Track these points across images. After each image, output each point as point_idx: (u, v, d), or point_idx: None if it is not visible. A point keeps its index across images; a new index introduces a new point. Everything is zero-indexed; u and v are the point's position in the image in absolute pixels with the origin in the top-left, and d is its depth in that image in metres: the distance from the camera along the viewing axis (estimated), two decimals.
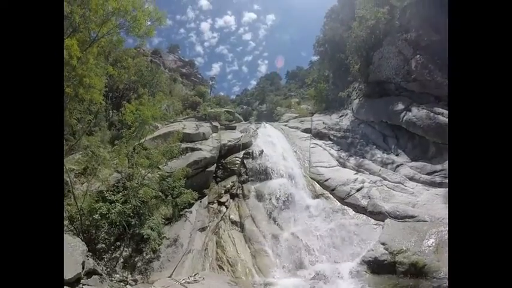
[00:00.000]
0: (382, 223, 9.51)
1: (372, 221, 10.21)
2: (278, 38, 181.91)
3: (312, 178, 13.43)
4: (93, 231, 8.67)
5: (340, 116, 19.52)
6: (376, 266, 7.81)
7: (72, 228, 8.29)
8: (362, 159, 13.93)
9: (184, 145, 13.72)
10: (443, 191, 10.08)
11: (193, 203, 11.49)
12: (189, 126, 17.01)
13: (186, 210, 11.34)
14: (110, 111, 17.32)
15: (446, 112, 11.18)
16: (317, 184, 13.01)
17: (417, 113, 12.35)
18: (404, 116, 12.93)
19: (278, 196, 11.96)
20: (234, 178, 13.83)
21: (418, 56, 12.99)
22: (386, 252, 7.90)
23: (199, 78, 47.68)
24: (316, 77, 27.01)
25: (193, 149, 14.05)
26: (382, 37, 15.65)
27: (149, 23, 8.96)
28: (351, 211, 11.10)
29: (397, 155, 12.93)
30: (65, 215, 8.26)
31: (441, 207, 9.38)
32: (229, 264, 9.24)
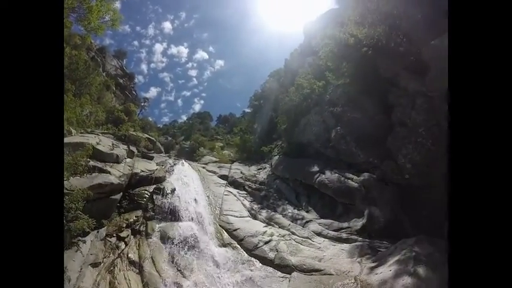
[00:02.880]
0: (289, 276, 9.68)
1: (279, 273, 10.28)
2: (220, 83, 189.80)
3: (221, 226, 13.20)
4: None
5: (259, 169, 20.42)
6: None
7: None
8: (273, 212, 14.47)
9: (92, 163, 12.08)
10: (349, 246, 10.98)
11: (88, 232, 9.81)
12: (105, 143, 15.20)
13: (80, 238, 9.50)
14: None
15: (355, 177, 12.84)
16: (225, 233, 12.78)
17: (330, 176, 13.87)
18: (317, 177, 14.34)
19: (184, 240, 11.28)
20: (140, 213, 12.56)
21: (339, 127, 15.06)
22: None
23: (133, 96, 44.25)
24: (244, 127, 28.53)
25: (101, 170, 12.37)
26: (312, 106, 17.95)
27: (102, 20, 8.30)
28: (258, 263, 11.01)
29: (307, 212, 13.92)
30: None
31: (346, 262, 10.10)
32: None
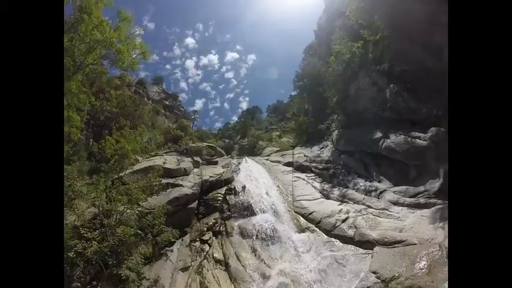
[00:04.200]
0: (371, 251, 9.35)
1: (361, 250, 10.02)
2: (259, 76, 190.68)
3: (296, 212, 13.27)
4: (68, 268, 7.89)
5: (321, 148, 19.91)
6: None
7: None
8: (345, 189, 14.04)
9: (164, 181, 13.18)
10: (429, 212, 10.20)
11: (174, 242, 10.84)
12: (170, 160, 16.61)
13: (167, 249, 10.64)
14: (90, 140, 16.73)
15: (423, 135, 11.72)
16: (302, 218, 12.83)
17: (395, 139, 12.87)
18: (383, 143, 13.41)
19: (262, 232, 11.61)
20: (217, 215, 13.33)
21: (392, 85, 13.85)
22: (379, 280, 7.68)
23: (182, 112, 47.79)
24: (296, 110, 28.04)
25: (174, 185, 13.55)
26: (357, 70, 16.71)
27: (134, 55, 9.06)
28: (338, 243, 10.89)
29: (379, 182, 13.16)
30: None
31: (429, 228, 9.43)
32: None
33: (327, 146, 19.47)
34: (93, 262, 8.09)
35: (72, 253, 7.57)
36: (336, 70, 17.79)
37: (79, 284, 7.95)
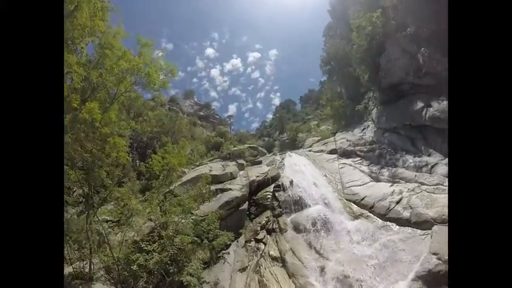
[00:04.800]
0: (429, 232, 8.78)
1: (419, 231, 9.52)
2: (285, 69, 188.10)
3: (347, 200, 13.01)
4: (132, 281, 8.63)
5: (363, 130, 19.17)
6: (431, 279, 7.09)
7: (110, 278, 8.34)
8: (395, 168, 13.36)
9: (213, 187, 13.74)
10: None
11: (230, 244, 11.30)
12: (216, 167, 17.20)
13: (224, 251, 11.11)
14: (137, 162, 18.14)
15: None
16: (354, 205, 12.54)
17: (438, 106, 11.93)
18: (426, 113, 12.50)
19: (316, 224, 11.53)
20: (268, 213, 13.57)
21: (423, 49, 12.80)
22: (440, 261, 7.19)
23: (218, 119, 49.45)
24: (329, 96, 27.13)
25: (223, 190, 14.04)
26: (382, 41, 15.74)
27: (162, 76, 9.50)
28: (394, 226, 10.45)
29: (429, 155, 12.30)
30: (101, 265, 8.35)
31: None
32: None
33: (368, 126, 18.68)
34: (155, 272, 8.76)
35: (135, 266, 8.28)
36: (361, 46, 16.87)
37: None
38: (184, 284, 8.75)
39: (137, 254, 8.64)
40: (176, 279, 8.97)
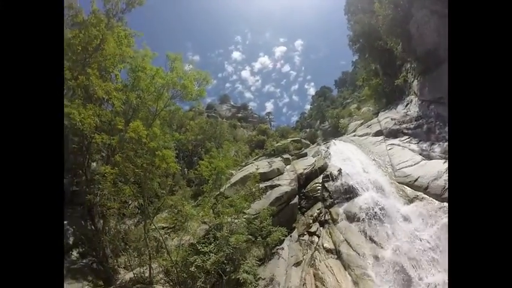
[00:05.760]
0: None
1: None
2: (313, 58, 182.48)
3: (399, 182, 12.38)
4: (190, 281, 9.08)
5: (406, 105, 17.97)
6: None
7: (169, 280, 8.91)
8: (446, 142, 12.30)
9: (262, 185, 13.97)
10: None
11: (283, 239, 11.37)
12: (262, 165, 17.30)
13: (278, 247, 11.23)
14: (185, 170, 19.12)
15: None
16: (407, 187, 11.91)
17: None
18: None
19: (369, 212, 11.11)
20: (319, 205, 13.34)
21: None
22: None
23: (257, 118, 49.94)
24: (364, 75, 25.81)
25: (272, 187, 14.17)
26: (408, 6, 14.54)
27: (197, 85, 9.91)
28: None
29: None
30: (160, 269, 8.95)
31: None
32: None
33: (412, 100, 17.40)
34: (212, 272, 9.18)
35: (192, 268, 8.78)
36: (386, 16, 15.63)
37: None
38: (241, 281, 9.06)
39: (194, 256, 9.15)
40: (233, 277, 9.33)
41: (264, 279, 9.91)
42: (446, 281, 7.14)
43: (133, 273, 8.66)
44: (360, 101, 34.05)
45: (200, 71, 10.06)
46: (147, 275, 8.62)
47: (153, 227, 9.50)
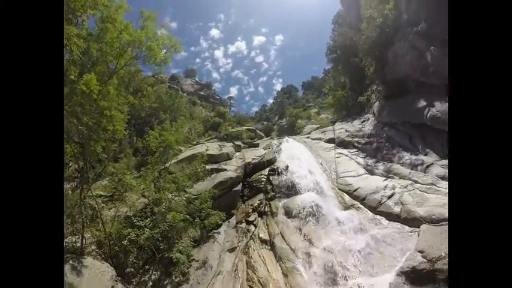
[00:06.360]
0: (417, 229, 8.93)
1: (407, 228, 9.64)
2: (289, 55, 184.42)
3: (340, 189, 13.06)
4: (122, 256, 8.80)
5: (362, 122, 19.07)
6: (414, 276, 7.23)
7: (101, 253, 8.49)
8: (390, 163, 13.38)
9: (209, 166, 13.88)
10: None
11: (221, 224, 11.49)
12: (212, 147, 17.27)
13: (214, 231, 11.33)
14: (134, 138, 18.08)
15: None
16: (346, 195, 12.61)
17: (441, 107, 11.76)
18: (427, 112, 12.33)
19: (307, 211, 11.61)
20: (261, 196, 13.67)
21: (433, 47, 12.50)
22: (425, 260, 7.32)
23: (218, 100, 48.91)
24: (332, 84, 26.92)
25: (218, 170, 14.19)
26: (392, 34, 15.32)
27: (164, 51, 9.25)
28: (384, 220, 10.57)
29: (425, 155, 12.28)
30: (93, 240, 8.47)
31: None
32: (261, 284, 8.90)
33: (369, 119, 18.55)
34: (145, 248, 8.93)
35: (125, 241, 8.42)
36: (369, 37, 16.36)
37: (132, 270, 8.82)
38: (174, 260, 8.95)
39: (129, 229, 8.77)
40: (166, 255, 9.16)
41: (197, 261, 9.92)
42: (371, 283, 7.84)
43: (65, 242, 8.01)
44: (321, 107, 35.42)
45: (171, 37, 9.41)
46: (78, 245, 8.01)
47: (91, 194, 8.81)
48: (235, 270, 9.62)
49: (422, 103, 12.82)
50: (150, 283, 8.77)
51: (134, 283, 8.66)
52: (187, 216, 10.46)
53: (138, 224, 9.10)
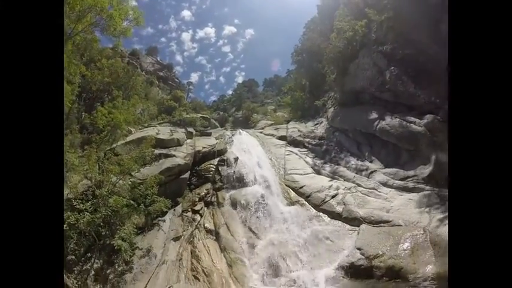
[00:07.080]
0: (357, 229, 9.67)
1: (348, 226, 10.36)
2: (256, 51, 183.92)
3: (287, 185, 13.48)
4: None
5: (316, 124, 19.85)
6: (353, 271, 7.92)
7: None
8: (337, 166, 14.18)
9: (157, 151, 13.35)
10: (416, 196, 10.39)
11: (166, 212, 11.17)
12: (163, 131, 16.58)
13: (159, 219, 10.98)
14: (82, 113, 16.41)
15: (418, 121, 11.58)
16: (292, 191, 13.05)
17: (390, 121, 12.72)
18: (378, 124, 13.30)
19: (253, 203, 11.82)
20: (209, 185, 13.55)
21: (392, 67, 13.42)
22: (363, 257, 8.03)
23: (177, 83, 46.59)
24: (293, 85, 27.60)
25: (166, 156, 13.69)
26: (358, 49, 16.10)
27: (126, 22, 8.59)
28: (326, 217, 11.19)
29: (371, 162, 13.26)
30: None
31: (414, 212, 9.69)
32: (205, 274, 8.92)
33: (322, 122, 19.38)
34: (86, 234, 8.25)
35: (65, 225, 7.67)
36: (336, 47, 17.07)
37: (73, 257, 8.15)
38: (116, 248, 8.42)
39: (68, 213, 7.97)
40: (108, 242, 8.58)
41: (141, 249, 9.48)
42: (312, 277, 8.29)
43: None
44: (279, 105, 36.03)
45: (135, 9, 8.74)
46: None
47: None
48: (179, 260, 9.48)
49: (374, 115, 13.78)
50: (93, 272, 8.19)
51: (76, 272, 8.04)
52: (132, 202, 9.92)
53: (78, 207, 8.30)
